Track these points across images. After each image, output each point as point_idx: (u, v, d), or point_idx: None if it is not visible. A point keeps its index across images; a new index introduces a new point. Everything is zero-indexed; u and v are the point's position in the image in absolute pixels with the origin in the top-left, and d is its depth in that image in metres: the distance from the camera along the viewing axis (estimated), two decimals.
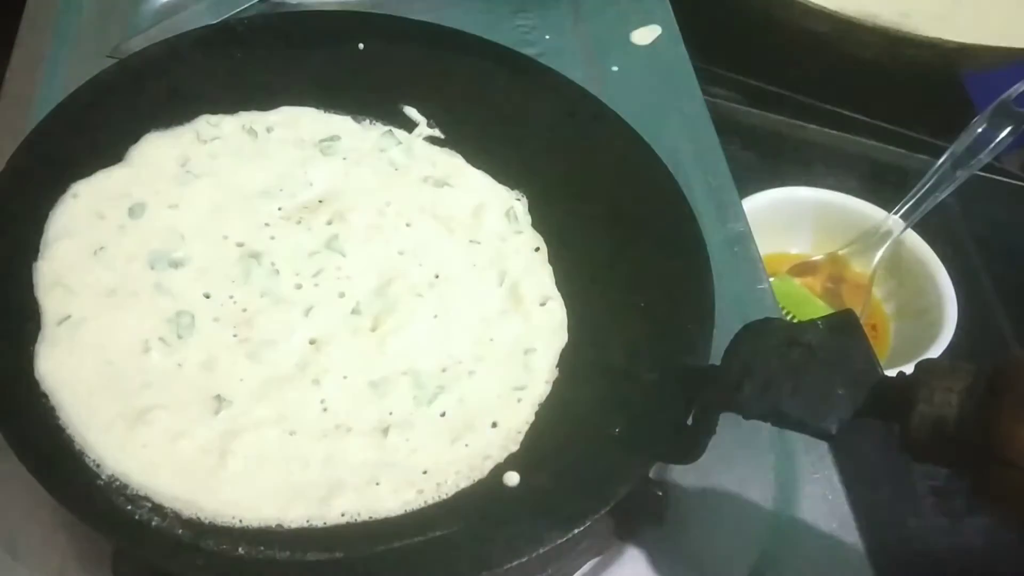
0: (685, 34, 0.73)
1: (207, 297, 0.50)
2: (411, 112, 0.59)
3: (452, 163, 0.58)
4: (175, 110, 0.56)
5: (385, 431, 0.46)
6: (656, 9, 0.75)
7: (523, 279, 0.53)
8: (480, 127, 0.58)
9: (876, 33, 0.78)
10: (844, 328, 0.40)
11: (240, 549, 0.42)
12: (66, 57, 0.65)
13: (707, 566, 0.48)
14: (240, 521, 0.43)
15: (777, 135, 0.83)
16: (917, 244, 0.73)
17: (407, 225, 0.54)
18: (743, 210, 0.62)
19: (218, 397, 0.46)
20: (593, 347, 0.50)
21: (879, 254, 0.72)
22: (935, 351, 0.66)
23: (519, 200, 0.56)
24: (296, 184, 0.55)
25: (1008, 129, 0.68)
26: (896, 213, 0.72)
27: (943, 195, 0.70)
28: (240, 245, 0.52)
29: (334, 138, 0.57)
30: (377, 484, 0.44)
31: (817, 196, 0.75)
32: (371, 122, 0.59)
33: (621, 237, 0.54)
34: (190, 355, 0.47)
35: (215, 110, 0.57)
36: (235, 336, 0.48)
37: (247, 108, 0.58)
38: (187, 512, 0.43)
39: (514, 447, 0.46)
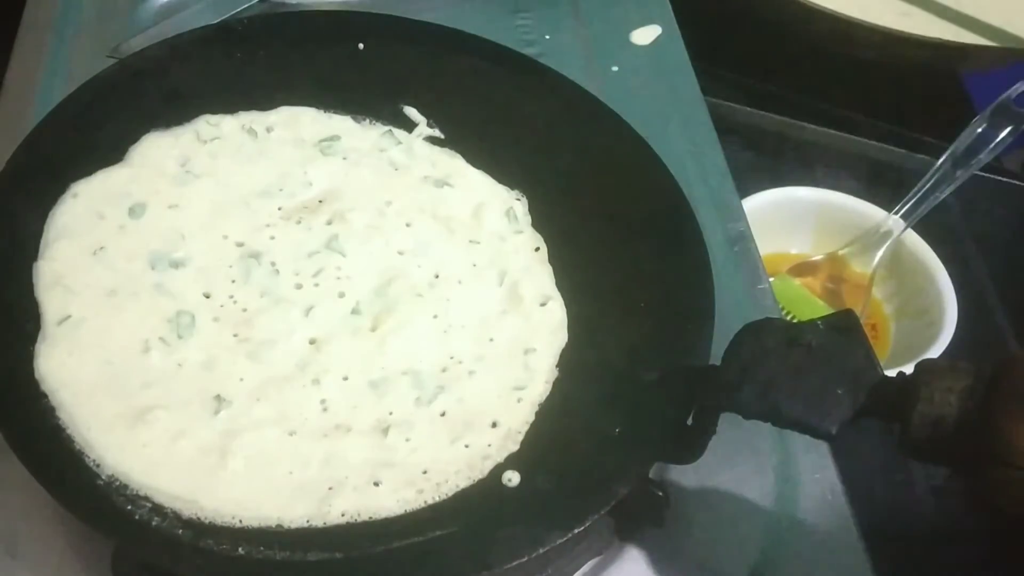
0: (685, 34, 0.73)
1: (207, 297, 0.50)
2: (411, 112, 0.59)
3: (451, 163, 0.58)
4: (175, 110, 0.56)
5: (385, 431, 0.46)
6: (656, 9, 0.74)
7: (523, 279, 0.53)
8: (480, 127, 0.58)
9: (876, 33, 0.79)
10: (844, 328, 0.40)
11: (240, 549, 0.42)
12: (66, 57, 0.65)
13: (707, 566, 0.48)
14: (240, 521, 0.43)
15: (777, 135, 0.83)
16: (917, 244, 0.73)
17: (407, 225, 0.54)
18: (743, 210, 0.62)
19: (218, 397, 0.46)
20: (593, 347, 0.50)
21: (879, 254, 0.72)
22: (935, 351, 0.66)
23: (519, 200, 0.56)
24: (296, 184, 0.55)
25: (1008, 129, 0.68)
26: (896, 213, 0.72)
27: (943, 195, 0.70)
28: (240, 245, 0.52)
29: (334, 138, 0.57)
30: (377, 484, 0.44)
31: (817, 196, 0.75)
32: (371, 122, 0.58)
33: (621, 237, 0.53)
34: (190, 355, 0.47)
35: (215, 110, 0.57)
36: (235, 336, 0.48)
37: (247, 108, 0.58)
38: (187, 512, 0.43)
39: (514, 447, 0.46)
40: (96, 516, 0.42)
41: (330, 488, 0.44)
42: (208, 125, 0.56)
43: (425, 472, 0.45)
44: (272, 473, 0.44)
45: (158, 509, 0.43)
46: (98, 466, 0.43)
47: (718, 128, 0.67)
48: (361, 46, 0.61)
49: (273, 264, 0.51)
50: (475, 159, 0.58)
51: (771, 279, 0.59)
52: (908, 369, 0.37)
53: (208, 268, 0.51)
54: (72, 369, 0.45)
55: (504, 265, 0.53)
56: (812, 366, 0.39)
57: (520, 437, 0.47)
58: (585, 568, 0.47)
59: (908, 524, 0.58)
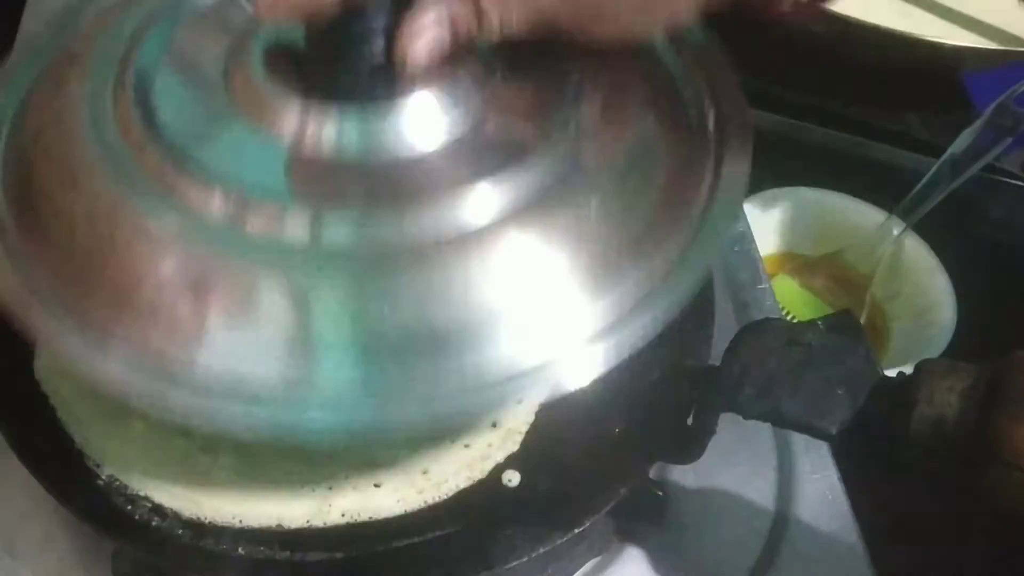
0: None
1: None
2: None
3: None
4: None
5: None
6: None
7: None
8: None
9: (876, 33, 0.78)
10: (844, 328, 0.40)
11: (240, 549, 0.42)
12: None
13: (707, 566, 0.48)
14: (240, 521, 0.43)
15: (777, 135, 0.83)
16: (917, 244, 0.73)
17: None
18: (743, 210, 0.62)
19: None
20: None
21: (879, 254, 0.72)
22: (935, 351, 0.66)
23: None
24: None
25: (1008, 129, 0.68)
26: (896, 213, 0.72)
27: (943, 195, 0.70)
28: None
29: None
30: (377, 485, 0.44)
31: (817, 196, 0.75)
32: None
33: None
34: None
35: None
36: None
37: None
38: (187, 512, 0.43)
39: (514, 447, 0.46)
40: (96, 516, 0.42)
41: (330, 488, 0.44)
42: None
43: (425, 472, 0.45)
44: (272, 473, 0.44)
45: (158, 509, 0.43)
46: (98, 466, 0.43)
47: None
48: None
49: None
50: None
51: (771, 279, 0.59)
52: (908, 369, 0.37)
53: None
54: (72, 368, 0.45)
55: None
56: (812, 366, 0.39)
57: (520, 437, 0.47)
58: (585, 568, 0.47)
59: (908, 524, 0.58)
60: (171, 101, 0.38)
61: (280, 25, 0.38)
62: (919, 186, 0.71)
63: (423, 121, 0.37)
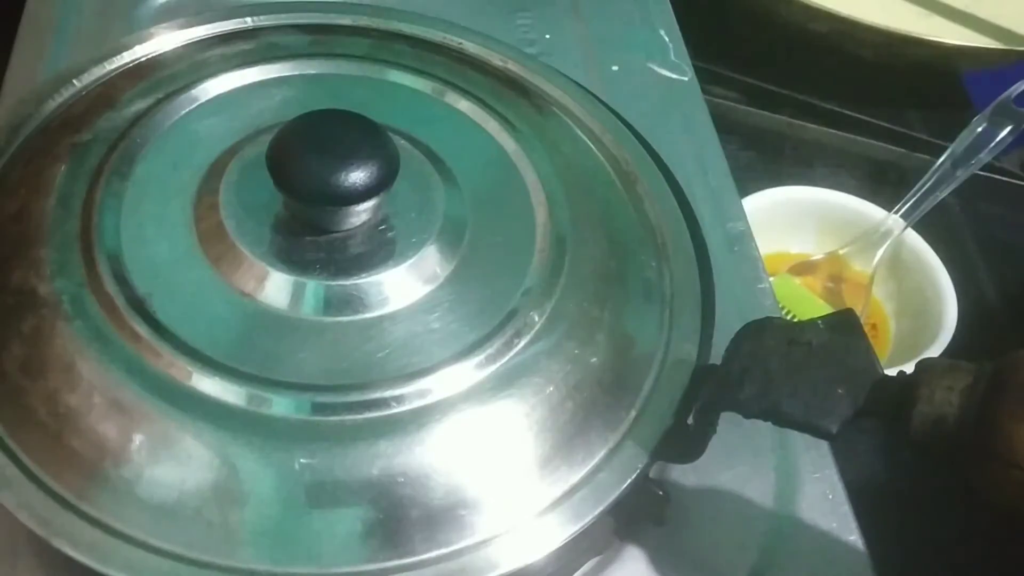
0: (685, 34, 0.73)
1: None
2: None
3: None
4: None
5: None
6: (656, 9, 0.75)
7: None
8: None
9: (876, 33, 0.79)
10: (844, 328, 0.40)
11: None
12: (66, 57, 0.65)
13: (707, 566, 0.48)
14: None
15: (777, 135, 0.83)
16: (917, 244, 0.73)
17: None
18: (743, 210, 0.62)
19: None
20: None
21: (879, 254, 0.72)
22: (935, 351, 0.66)
23: None
24: None
25: (1008, 129, 0.68)
26: (896, 213, 0.72)
27: (943, 195, 0.70)
28: None
29: None
30: None
31: (817, 196, 0.75)
32: None
33: None
34: None
35: None
36: None
37: None
38: None
39: None
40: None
41: None
42: None
43: None
44: None
45: None
46: None
47: (718, 128, 0.67)
48: None
49: None
50: None
51: (771, 279, 0.59)
52: (908, 368, 0.37)
53: None
54: None
55: None
56: (812, 365, 0.39)
57: None
58: (585, 568, 0.47)
59: (909, 524, 0.58)
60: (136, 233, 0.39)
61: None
62: (919, 186, 0.71)
63: (384, 295, 0.38)
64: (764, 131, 0.83)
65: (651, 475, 0.48)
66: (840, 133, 0.83)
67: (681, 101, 0.68)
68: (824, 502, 0.49)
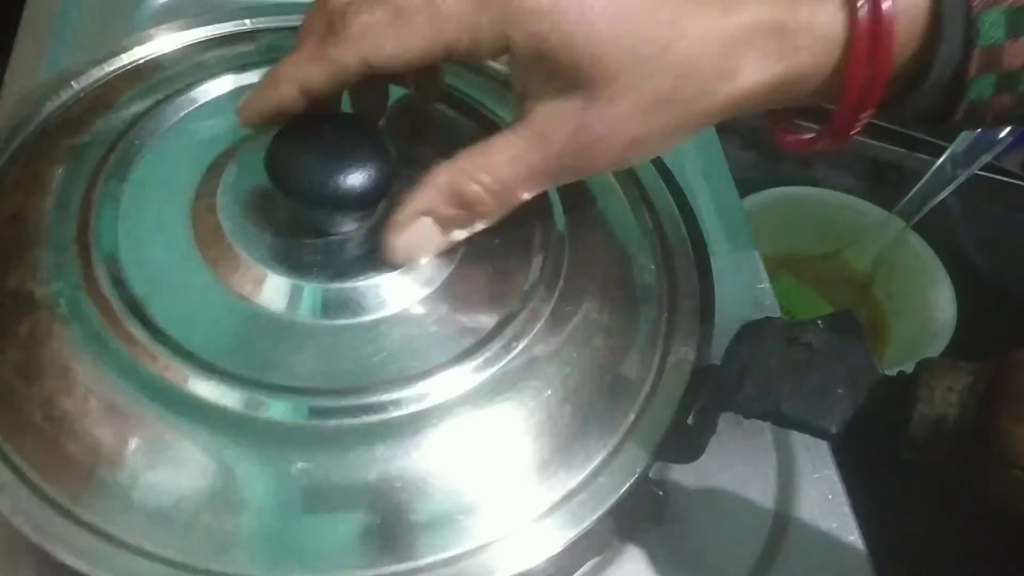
0: None
1: None
2: None
3: None
4: None
5: None
6: None
7: None
8: None
9: None
10: (844, 328, 0.40)
11: None
12: (65, 58, 0.65)
13: (707, 566, 0.48)
14: None
15: None
16: (917, 244, 0.73)
17: None
18: (743, 210, 0.62)
19: None
20: None
21: (879, 254, 0.72)
22: (935, 351, 0.66)
23: None
24: None
25: (1008, 129, 0.68)
26: (896, 213, 0.72)
27: (943, 195, 0.70)
28: None
29: None
30: None
31: (817, 196, 0.75)
32: None
33: None
34: None
35: None
36: None
37: None
38: None
39: None
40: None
41: None
42: None
43: None
44: None
45: None
46: None
47: (718, 128, 0.67)
48: None
49: None
50: None
51: (771, 279, 0.59)
52: (908, 369, 0.37)
53: None
54: None
55: None
56: (812, 366, 0.38)
57: None
58: (585, 568, 0.47)
59: (908, 524, 0.58)
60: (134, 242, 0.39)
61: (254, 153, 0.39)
62: (919, 186, 0.71)
63: (382, 298, 0.38)
64: (764, 131, 0.83)
65: (651, 475, 0.48)
66: None
67: None
68: (824, 502, 0.49)
